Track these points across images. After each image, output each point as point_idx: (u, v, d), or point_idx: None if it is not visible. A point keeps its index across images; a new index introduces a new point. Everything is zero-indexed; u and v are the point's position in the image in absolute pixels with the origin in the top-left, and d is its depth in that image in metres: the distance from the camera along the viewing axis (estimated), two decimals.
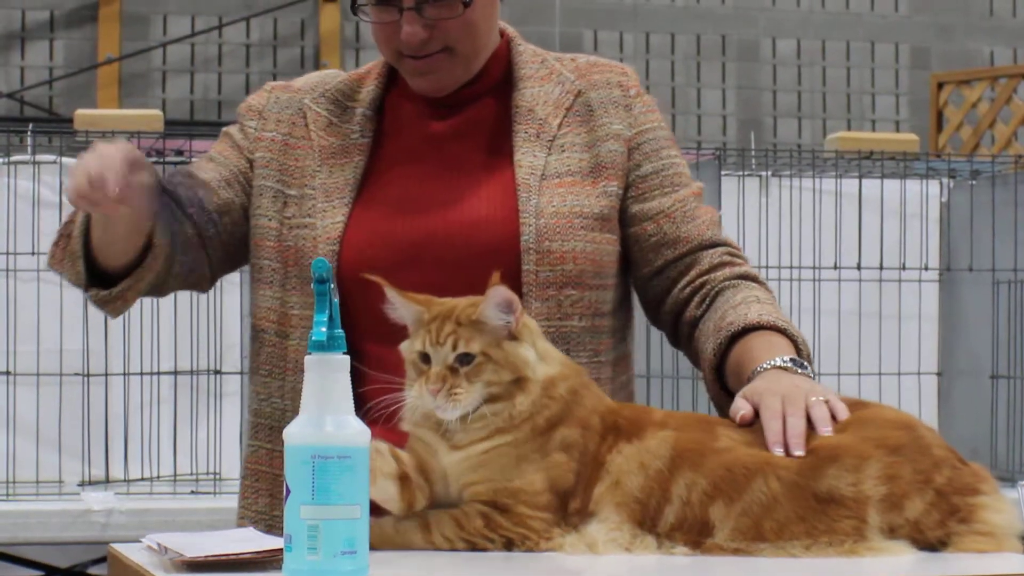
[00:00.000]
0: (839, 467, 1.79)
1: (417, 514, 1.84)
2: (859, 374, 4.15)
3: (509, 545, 1.80)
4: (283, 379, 2.17)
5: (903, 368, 4.24)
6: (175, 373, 3.90)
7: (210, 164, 2.26)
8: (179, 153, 3.93)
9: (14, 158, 3.91)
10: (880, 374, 4.18)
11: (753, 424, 1.87)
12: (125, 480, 3.85)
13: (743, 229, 4.07)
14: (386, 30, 2.15)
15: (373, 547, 1.65)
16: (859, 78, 8.28)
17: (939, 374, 4.37)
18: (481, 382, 1.82)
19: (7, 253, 3.77)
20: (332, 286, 1.66)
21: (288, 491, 1.61)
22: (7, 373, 3.83)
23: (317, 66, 7.38)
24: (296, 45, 7.76)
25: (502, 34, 2.26)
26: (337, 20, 7.63)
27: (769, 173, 4.24)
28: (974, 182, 4.36)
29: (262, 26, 7.72)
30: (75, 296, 3.42)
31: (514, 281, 2.09)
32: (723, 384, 2.09)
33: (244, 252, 2.26)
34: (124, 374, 3.86)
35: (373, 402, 1.86)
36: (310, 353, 1.64)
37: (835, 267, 4.18)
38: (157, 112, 4.13)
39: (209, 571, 1.68)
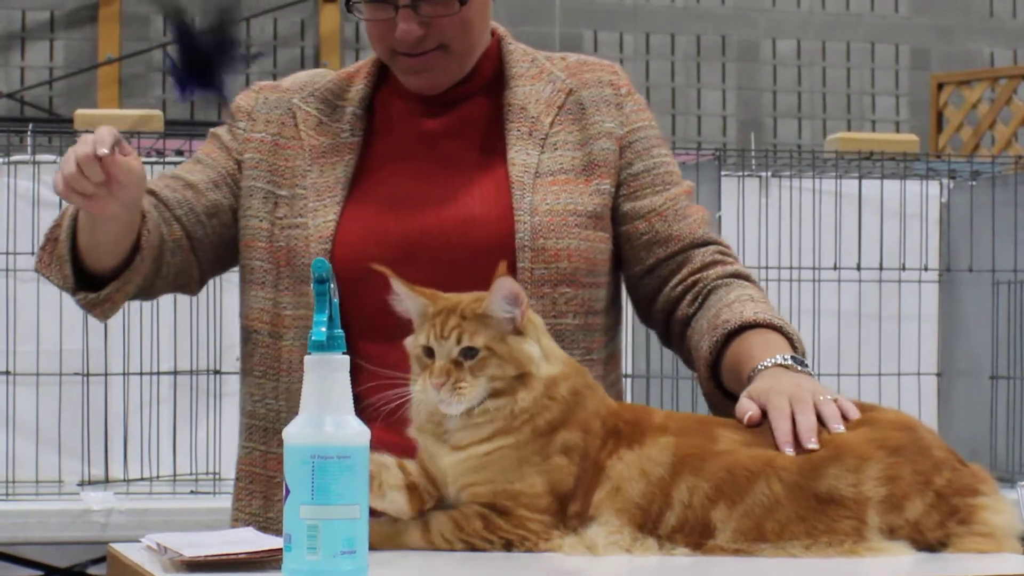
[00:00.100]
0: (840, 467, 1.79)
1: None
2: (859, 375, 4.15)
3: (508, 547, 1.80)
4: (277, 380, 2.17)
5: (903, 369, 4.24)
6: (175, 373, 3.90)
7: (198, 166, 2.25)
8: (179, 153, 3.93)
9: (14, 158, 3.91)
10: (880, 375, 4.18)
11: (761, 424, 1.87)
12: (125, 480, 3.85)
13: (743, 230, 4.07)
14: (380, 28, 2.15)
15: (372, 547, 1.65)
16: (859, 79, 8.28)
17: (939, 375, 4.36)
18: (485, 376, 1.82)
19: (7, 253, 3.77)
20: (332, 286, 1.66)
21: (287, 491, 1.61)
22: (7, 373, 3.84)
23: (317, 66, 7.38)
24: (296, 45, 7.75)
25: (492, 33, 2.26)
26: (337, 20, 7.62)
27: (769, 174, 4.24)
28: (974, 183, 4.36)
29: (262, 27, 7.71)
30: None
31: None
32: (718, 382, 2.09)
33: (233, 254, 2.25)
34: (124, 374, 3.86)
35: (376, 397, 1.86)
36: (310, 353, 1.64)
37: (835, 267, 4.18)
38: (157, 112, 4.13)
39: (208, 571, 1.68)
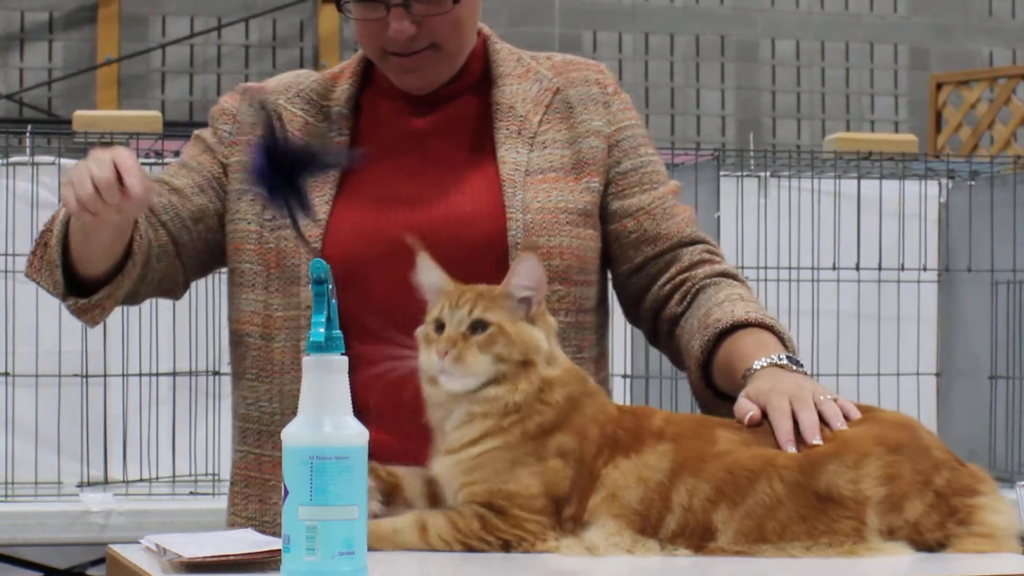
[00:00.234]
0: (839, 463, 1.79)
1: (414, 515, 1.84)
2: (858, 375, 4.15)
3: (505, 547, 1.80)
4: (270, 382, 2.16)
5: (902, 369, 4.23)
6: (174, 374, 3.90)
7: (183, 170, 2.24)
8: (177, 155, 3.93)
9: (13, 159, 3.91)
10: (879, 375, 4.17)
11: (761, 424, 1.87)
12: (124, 481, 3.85)
13: (742, 230, 4.07)
14: (371, 27, 2.14)
15: (370, 548, 1.65)
16: (858, 79, 8.28)
17: (938, 375, 4.36)
18: (491, 354, 1.82)
19: (6, 254, 3.77)
20: (331, 287, 1.66)
21: (286, 492, 1.61)
22: (6, 374, 3.83)
23: (316, 67, 7.38)
24: (295, 46, 7.76)
25: (478, 33, 2.26)
26: (336, 21, 7.63)
27: (768, 174, 4.24)
28: (973, 183, 4.36)
29: (261, 27, 7.72)
30: None
31: (502, 276, 2.09)
32: (708, 381, 2.09)
33: (218, 258, 2.24)
34: (123, 375, 3.86)
35: (379, 368, 1.86)
36: (308, 354, 1.64)
37: (834, 268, 4.18)
38: (156, 113, 4.12)
39: (207, 572, 1.68)
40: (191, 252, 2.21)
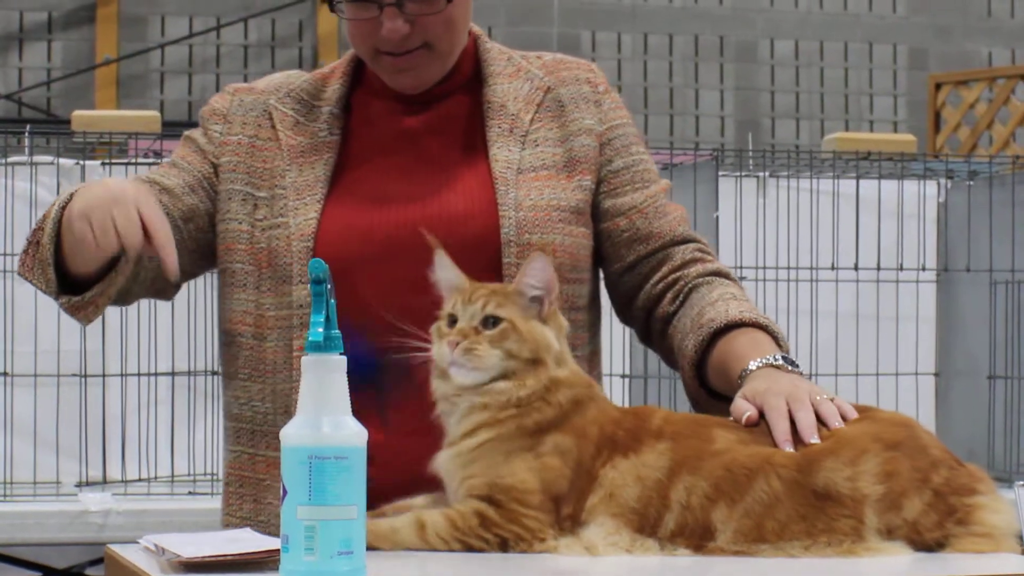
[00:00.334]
0: (836, 460, 1.79)
1: (412, 514, 1.84)
2: (857, 375, 4.15)
3: (504, 545, 1.80)
4: (263, 382, 2.16)
5: (900, 369, 4.24)
6: (172, 374, 3.90)
7: (174, 170, 2.23)
8: None
9: (11, 159, 3.91)
10: (878, 375, 4.17)
11: (758, 424, 1.87)
12: (122, 481, 3.85)
13: (741, 230, 4.07)
14: (364, 27, 2.14)
15: (368, 547, 1.65)
16: (857, 79, 8.28)
17: (936, 375, 4.36)
18: (501, 350, 1.84)
19: (4, 254, 3.77)
20: (329, 286, 1.66)
21: (285, 491, 1.61)
22: (4, 374, 3.83)
23: (315, 67, 7.39)
24: (294, 46, 7.76)
25: (469, 32, 2.26)
26: (335, 21, 7.62)
27: (767, 174, 4.24)
28: (972, 183, 4.36)
29: (260, 27, 7.72)
30: None
31: (495, 274, 2.10)
32: (702, 380, 2.10)
33: (209, 258, 2.24)
34: (121, 375, 3.86)
35: (393, 356, 1.87)
36: (306, 354, 1.64)
37: (832, 268, 4.18)
38: (155, 113, 4.12)
39: (206, 572, 1.68)
40: (181, 252, 2.19)
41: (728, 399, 2.02)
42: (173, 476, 3.90)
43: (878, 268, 4.22)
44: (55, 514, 3.65)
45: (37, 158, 3.89)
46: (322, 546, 1.59)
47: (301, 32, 7.76)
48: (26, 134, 3.94)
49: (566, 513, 1.82)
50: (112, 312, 3.70)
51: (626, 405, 3.75)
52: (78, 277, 2.09)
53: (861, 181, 4.25)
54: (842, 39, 8.27)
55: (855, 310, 4.21)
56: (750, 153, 4.36)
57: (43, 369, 3.82)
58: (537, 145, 2.19)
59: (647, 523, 1.79)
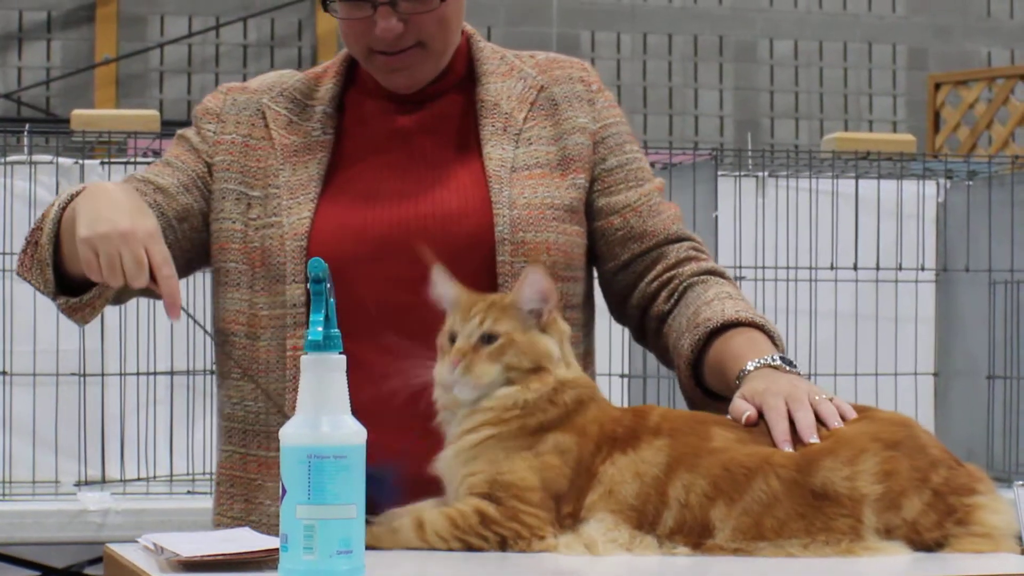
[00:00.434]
0: (834, 459, 1.79)
1: (411, 513, 1.84)
2: (856, 375, 4.15)
3: (503, 544, 1.80)
4: (255, 382, 2.16)
5: (900, 369, 4.24)
6: (171, 373, 3.90)
7: (167, 169, 2.23)
8: None
9: (11, 158, 3.91)
10: (877, 375, 4.18)
11: (757, 424, 1.87)
12: (121, 480, 3.85)
13: (740, 230, 4.07)
14: (357, 26, 2.14)
15: (368, 547, 1.65)
16: (856, 79, 8.29)
17: (935, 375, 4.37)
18: (501, 364, 1.85)
19: (3, 253, 3.77)
20: (329, 285, 1.66)
21: (284, 491, 1.61)
22: (3, 373, 3.83)
23: (315, 66, 7.38)
24: (293, 46, 7.76)
25: (462, 31, 2.26)
26: (334, 21, 7.60)
27: (766, 174, 4.24)
28: (971, 183, 4.36)
29: (259, 27, 7.72)
30: None
31: (489, 273, 2.10)
32: (698, 380, 2.10)
33: (202, 258, 2.23)
34: (120, 374, 3.86)
35: (396, 386, 1.87)
36: (306, 353, 1.64)
37: (832, 268, 4.18)
38: (154, 113, 4.13)
39: (205, 571, 1.68)
40: (176, 252, 2.19)
41: (724, 399, 2.02)
42: (172, 475, 3.90)
43: (877, 268, 4.22)
44: (54, 513, 3.65)
45: (36, 157, 3.89)
46: (321, 545, 1.59)
47: (300, 32, 7.76)
48: (25, 133, 3.94)
49: (566, 511, 1.82)
50: (111, 311, 3.70)
51: (625, 405, 3.76)
52: (76, 278, 2.09)
53: (860, 181, 4.25)
54: (841, 39, 8.27)
55: (854, 310, 4.22)
56: (749, 153, 4.36)
57: (42, 368, 3.82)
58: (531, 144, 2.19)
59: (646, 520, 1.80)
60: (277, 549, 1.63)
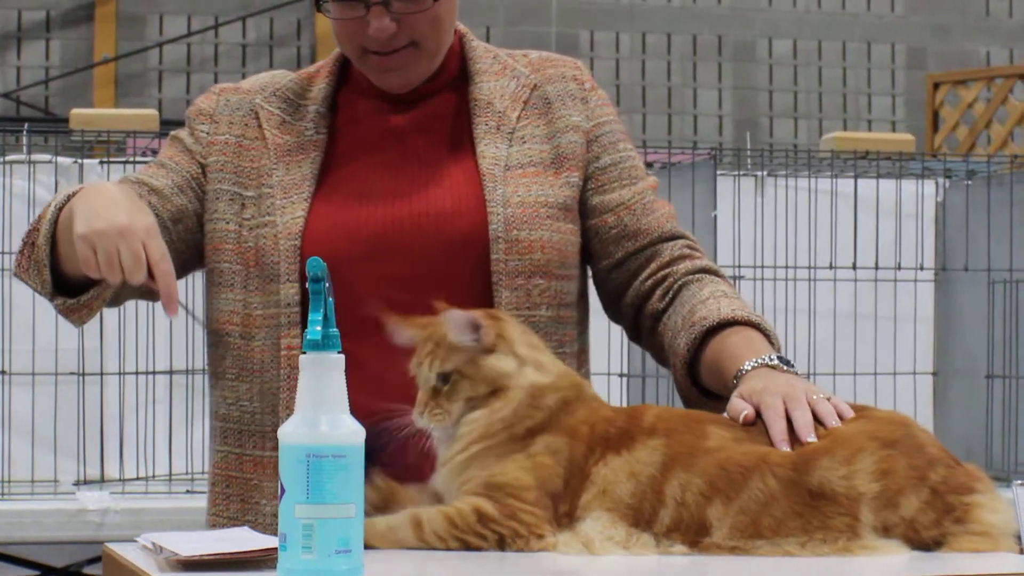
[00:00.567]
0: (831, 459, 1.79)
1: (409, 512, 1.84)
2: (855, 374, 4.15)
3: (501, 543, 1.80)
4: (250, 381, 2.15)
5: (899, 368, 4.24)
6: (170, 372, 3.90)
7: (162, 170, 2.23)
8: None
9: (10, 157, 3.91)
10: (876, 374, 4.18)
11: (755, 423, 1.87)
12: (120, 479, 3.85)
13: (739, 229, 4.07)
14: (350, 26, 2.14)
15: (366, 546, 1.65)
16: (855, 78, 8.29)
17: (935, 374, 4.37)
18: (461, 399, 1.87)
19: (2, 252, 3.77)
20: (327, 285, 1.66)
21: (283, 490, 1.61)
22: (2, 372, 3.84)
23: None
24: (292, 45, 7.76)
25: (455, 31, 2.26)
26: None
27: (765, 173, 4.24)
28: (970, 182, 4.37)
29: (258, 26, 7.72)
30: None
31: (483, 271, 2.10)
32: (694, 379, 2.10)
33: (196, 259, 2.23)
34: (119, 373, 3.86)
35: (387, 426, 1.88)
36: (304, 352, 1.64)
37: (831, 267, 4.19)
38: (153, 112, 4.13)
39: (204, 570, 1.68)
40: (171, 253, 2.17)
41: (720, 397, 2.02)
42: (171, 475, 3.90)
43: (876, 267, 4.22)
44: (53, 512, 3.65)
45: (35, 157, 3.89)
46: (320, 545, 1.59)
47: (299, 31, 7.76)
48: (24, 132, 3.94)
49: (563, 511, 1.82)
50: (110, 311, 3.68)
51: (623, 404, 3.76)
52: (73, 278, 2.09)
53: (859, 180, 4.25)
54: (840, 38, 8.27)
55: (853, 309, 4.22)
56: (748, 152, 4.36)
57: (41, 368, 3.82)
58: (524, 142, 2.19)
59: (642, 518, 1.80)
60: (276, 548, 1.63)
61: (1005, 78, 6.87)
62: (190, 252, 2.22)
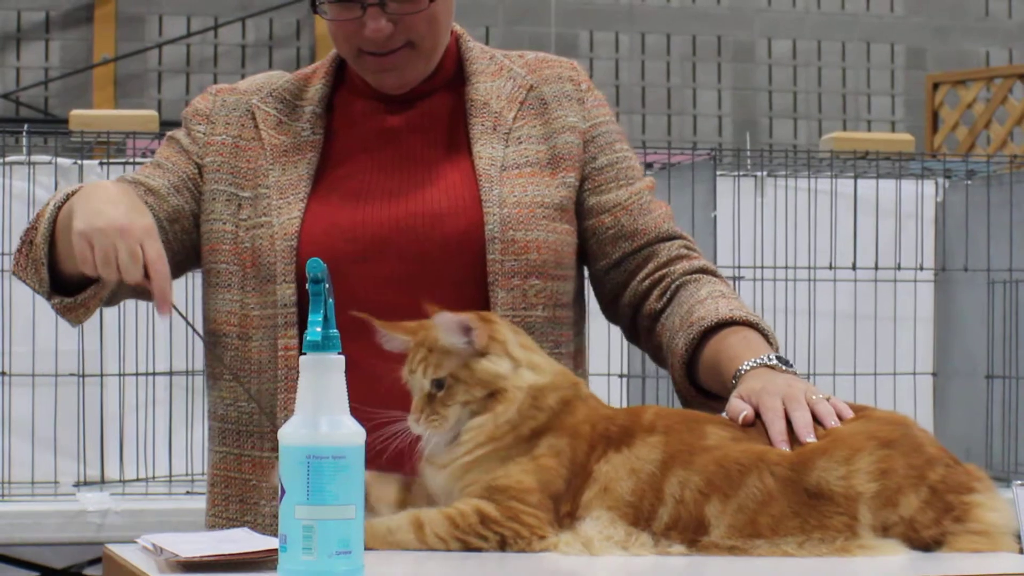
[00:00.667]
0: (828, 459, 1.79)
1: (410, 513, 1.84)
2: (854, 374, 4.15)
3: (503, 544, 1.80)
4: (248, 382, 2.16)
5: (898, 368, 4.24)
6: (170, 374, 3.90)
7: (158, 171, 2.23)
8: None
9: (9, 158, 3.91)
10: (875, 374, 4.18)
11: (754, 424, 1.87)
12: (120, 481, 3.85)
13: (738, 230, 4.07)
14: (347, 28, 2.14)
15: (366, 547, 1.65)
16: (855, 78, 8.28)
17: (934, 374, 4.37)
18: (457, 403, 1.86)
19: (2, 253, 3.77)
20: (327, 286, 1.66)
21: (283, 491, 1.61)
22: (2, 374, 3.83)
23: None
24: (292, 46, 7.76)
25: (451, 31, 2.26)
26: None
27: (764, 173, 4.24)
28: (969, 182, 4.37)
29: (258, 27, 7.72)
30: None
31: (479, 271, 2.10)
32: (692, 379, 2.10)
33: (192, 259, 2.24)
34: (119, 375, 3.86)
35: (380, 434, 1.87)
36: (304, 353, 1.64)
37: (830, 267, 4.19)
38: (152, 113, 4.13)
39: (204, 571, 1.68)
40: (167, 253, 2.18)
41: (719, 398, 2.02)
42: (171, 476, 3.89)
43: (876, 268, 4.22)
44: (53, 514, 3.65)
45: (35, 157, 3.89)
46: (320, 546, 1.59)
47: (299, 32, 7.76)
48: (24, 133, 3.94)
49: (565, 511, 1.82)
50: (110, 312, 3.70)
51: (624, 405, 3.76)
52: (71, 277, 2.09)
53: (859, 181, 4.25)
54: (840, 39, 8.27)
55: (853, 310, 4.22)
56: (748, 153, 4.36)
57: (41, 369, 3.82)
58: (520, 143, 2.19)
59: (641, 516, 1.80)
60: (276, 549, 1.63)
61: (1004, 78, 6.87)
62: (186, 252, 2.22)
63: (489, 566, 1.77)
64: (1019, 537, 1.83)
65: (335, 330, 1.65)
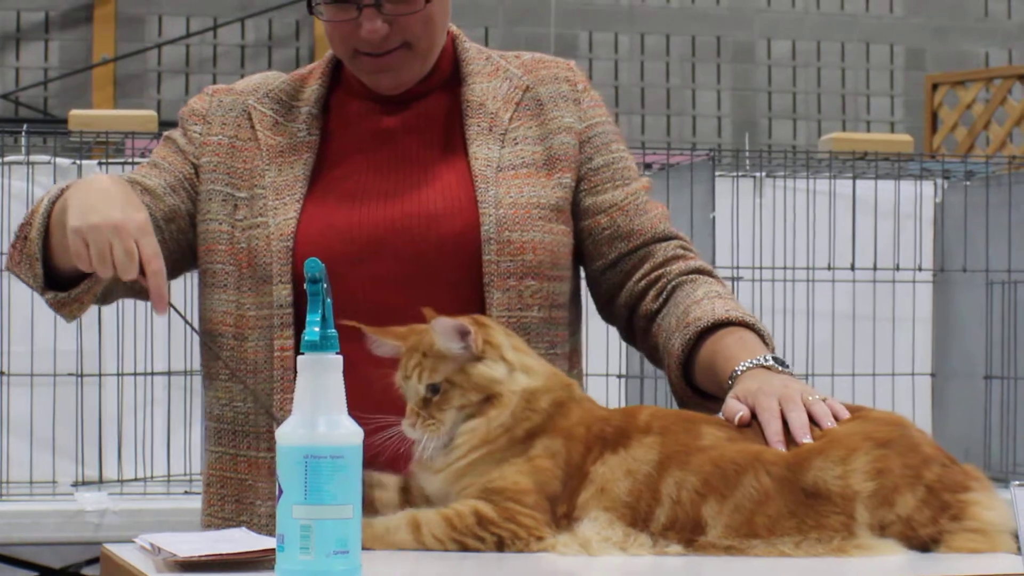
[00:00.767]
0: (825, 459, 1.79)
1: (408, 514, 1.84)
2: (853, 375, 4.15)
3: (500, 545, 1.80)
4: (243, 382, 2.16)
5: (897, 369, 4.24)
6: (169, 374, 3.90)
7: (155, 170, 2.23)
8: None
9: (8, 158, 3.90)
10: (874, 375, 4.18)
11: (750, 424, 1.87)
12: (119, 480, 3.85)
13: (737, 230, 4.07)
14: (343, 28, 2.14)
15: (363, 547, 1.65)
16: (854, 79, 8.29)
17: (933, 375, 4.37)
18: (452, 408, 1.86)
19: (1, 253, 3.77)
20: (325, 286, 1.66)
21: (280, 491, 1.61)
22: (1, 373, 3.83)
23: None
24: (291, 46, 7.76)
25: (447, 32, 2.26)
26: None
27: (763, 174, 4.24)
28: (968, 183, 4.37)
29: (257, 27, 7.72)
30: None
31: (475, 272, 2.10)
32: (688, 379, 2.10)
33: (188, 259, 2.24)
34: (118, 374, 3.86)
35: (376, 438, 1.87)
36: (302, 353, 1.64)
37: (829, 268, 4.19)
38: (152, 113, 4.13)
39: (202, 571, 1.68)
40: (163, 253, 2.18)
41: (715, 398, 2.02)
42: (169, 476, 3.89)
43: (874, 268, 4.22)
44: (51, 513, 3.65)
45: (34, 157, 3.89)
46: (318, 545, 1.59)
47: (298, 32, 7.76)
48: (23, 133, 3.94)
49: (561, 512, 1.82)
50: (108, 311, 3.70)
51: (622, 405, 3.76)
52: (65, 273, 2.09)
53: (858, 181, 4.25)
54: (839, 39, 8.27)
55: (851, 310, 4.22)
56: (747, 153, 4.36)
57: (39, 369, 3.82)
58: (516, 143, 2.20)
59: (639, 516, 1.80)
60: (274, 549, 1.63)
61: (1004, 79, 6.87)
62: (182, 252, 2.22)
63: (488, 566, 1.77)
64: (1016, 537, 1.83)
65: (333, 330, 1.65)
